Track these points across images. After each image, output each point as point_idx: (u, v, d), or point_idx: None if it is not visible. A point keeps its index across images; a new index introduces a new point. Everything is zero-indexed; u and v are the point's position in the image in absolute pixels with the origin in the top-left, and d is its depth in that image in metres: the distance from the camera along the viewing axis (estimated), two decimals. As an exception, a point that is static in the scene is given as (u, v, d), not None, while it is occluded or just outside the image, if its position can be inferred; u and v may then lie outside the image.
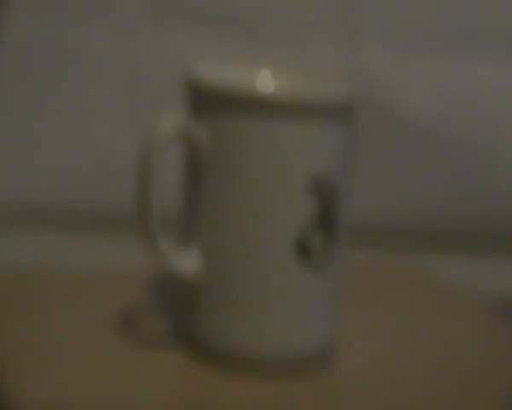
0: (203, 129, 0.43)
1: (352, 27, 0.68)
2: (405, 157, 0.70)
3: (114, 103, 0.66)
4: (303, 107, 0.43)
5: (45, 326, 0.47)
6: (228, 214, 0.43)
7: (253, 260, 0.43)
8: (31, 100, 0.65)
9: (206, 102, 0.44)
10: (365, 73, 0.68)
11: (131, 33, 0.66)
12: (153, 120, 0.43)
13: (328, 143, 0.44)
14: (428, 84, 0.70)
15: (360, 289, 0.54)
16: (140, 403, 0.40)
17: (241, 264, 0.43)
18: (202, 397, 0.42)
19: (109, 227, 0.64)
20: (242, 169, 0.43)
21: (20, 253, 0.57)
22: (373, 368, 0.47)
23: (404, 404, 0.43)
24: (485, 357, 0.49)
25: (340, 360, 0.47)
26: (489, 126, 0.70)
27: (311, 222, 0.43)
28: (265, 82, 0.49)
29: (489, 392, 0.45)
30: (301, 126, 0.43)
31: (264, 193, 0.43)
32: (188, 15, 0.66)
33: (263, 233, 0.43)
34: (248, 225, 0.43)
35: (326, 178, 0.43)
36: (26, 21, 0.63)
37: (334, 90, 0.46)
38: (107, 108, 0.66)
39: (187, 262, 0.44)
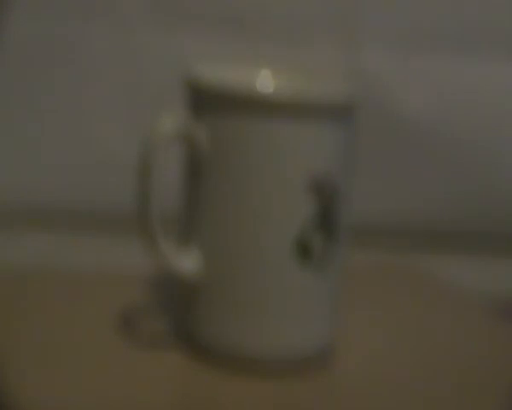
0: (203, 129, 0.43)
1: (352, 27, 0.68)
2: (405, 157, 0.70)
3: (114, 103, 0.66)
4: (303, 107, 0.43)
5: (45, 326, 0.47)
6: (228, 214, 0.43)
7: (253, 260, 0.43)
8: (31, 100, 0.65)
9: (206, 102, 0.44)
10: (365, 73, 0.68)
11: (131, 33, 0.66)
12: (153, 120, 0.43)
13: (328, 143, 0.44)
14: (428, 84, 0.70)
15: (360, 289, 0.54)
16: (140, 403, 0.40)
17: (241, 264, 0.43)
18: (202, 397, 0.42)
19: (109, 227, 0.64)
20: (242, 169, 0.43)
21: (20, 253, 0.57)
22: (373, 368, 0.47)
23: (404, 404, 0.43)
24: (485, 357, 0.49)
25: (340, 360, 0.47)
26: (489, 126, 0.70)
27: (311, 222, 0.43)
28: (265, 82, 0.49)
29: (489, 392, 0.45)
30: (301, 126, 0.43)
31: (264, 193, 0.43)
32: (188, 15, 0.66)
33: (263, 233, 0.43)
34: (248, 225, 0.43)
35: (326, 178, 0.43)
36: (26, 21, 0.63)
37: (334, 90, 0.46)
38: (107, 108, 0.66)
39: (187, 262, 0.44)
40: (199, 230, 0.45)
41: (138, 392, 0.41)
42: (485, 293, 0.60)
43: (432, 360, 0.48)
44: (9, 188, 0.63)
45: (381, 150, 0.69)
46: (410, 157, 0.70)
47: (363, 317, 0.52)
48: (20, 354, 0.44)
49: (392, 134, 0.69)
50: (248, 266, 0.43)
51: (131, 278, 0.54)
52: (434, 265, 0.66)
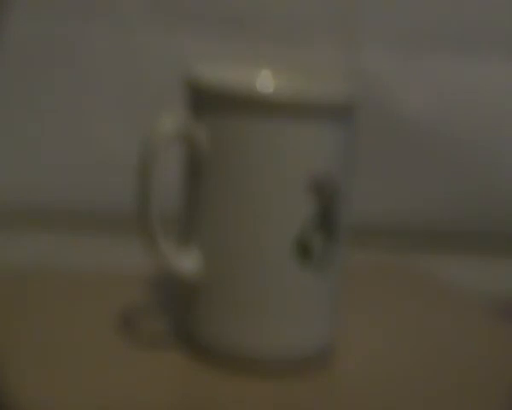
0: (203, 129, 0.43)
1: (352, 27, 0.68)
2: (405, 157, 0.70)
3: (114, 103, 0.66)
4: (303, 107, 0.43)
5: (45, 326, 0.47)
6: (228, 214, 0.43)
7: (253, 260, 0.43)
8: (31, 100, 0.65)
9: (206, 102, 0.44)
10: (365, 73, 0.68)
11: (131, 33, 0.66)
12: (153, 120, 0.43)
13: (328, 143, 0.44)
14: (428, 84, 0.70)
15: (360, 289, 0.54)
16: (140, 403, 0.40)
17: (241, 264, 0.43)
18: (202, 397, 0.42)
19: (109, 227, 0.64)
20: (242, 169, 0.43)
21: (20, 253, 0.57)
22: (373, 368, 0.47)
23: (404, 404, 0.43)
24: (485, 357, 0.49)
25: (340, 360, 0.47)
26: (489, 126, 0.70)
27: (311, 222, 0.43)
28: (265, 82, 0.49)
29: (489, 392, 0.45)
30: (301, 126, 0.43)
31: (264, 193, 0.43)
32: (188, 15, 0.66)
33: (263, 233, 0.43)
34: (248, 225, 0.43)
35: (326, 178, 0.43)
36: (26, 21, 0.63)
37: (334, 90, 0.46)
38: (107, 108, 0.66)
39: (187, 262, 0.44)
40: (199, 230, 0.45)
41: (138, 392, 0.41)
42: (485, 293, 0.60)
43: (432, 360, 0.48)
44: (9, 188, 0.63)
45: (381, 150, 0.69)
46: (410, 157, 0.70)
47: (363, 317, 0.52)
48: (20, 354, 0.44)
49: (392, 134, 0.69)
50: (248, 266, 0.43)
51: (131, 278, 0.54)
52: (434, 265, 0.66)
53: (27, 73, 0.65)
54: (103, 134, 0.67)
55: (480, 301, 0.59)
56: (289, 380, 0.44)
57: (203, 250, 0.44)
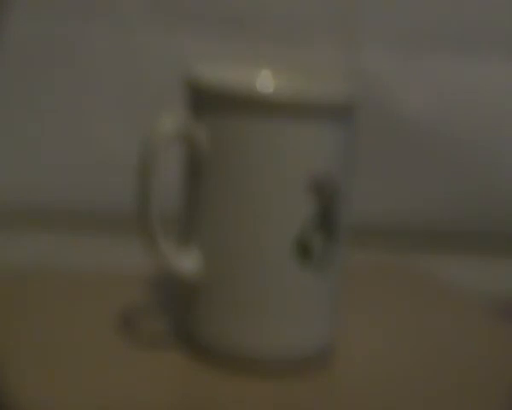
0: (203, 129, 0.43)
1: (352, 27, 0.68)
2: (405, 157, 0.70)
3: (114, 103, 0.66)
4: (303, 107, 0.43)
5: (45, 326, 0.47)
6: (228, 214, 0.43)
7: (253, 260, 0.43)
8: (30, 100, 0.65)
9: (206, 102, 0.44)
10: (365, 73, 0.68)
11: (131, 33, 0.66)
12: (153, 120, 0.43)
13: (328, 143, 0.44)
14: (428, 84, 0.70)
15: (360, 289, 0.54)
16: (140, 403, 0.40)
17: (241, 264, 0.43)
18: (202, 397, 0.42)
19: (109, 227, 0.64)
20: (242, 169, 0.43)
21: (20, 253, 0.57)
22: (373, 368, 0.47)
23: (404, 404, 0.43)
24: (485, 357, 0.49)
25: (340, 360, 0.47)
26: (489, 126, 0.70)
27: (311, 222, 0.43)
28: (265, 82, 0.49)
29: (489, 392, 0.45)
30: (301, 126, 0.43)
31: (264, 193, 0.43)
32: (188, 15, 0.66)
33: (263, 233, 0.43)
34: (248, 225, 0.43)
35: (326, 178, 0.43)
36: (26, 21, 0.63)
37: (334, 90, 0.46)
38: (107, 108, 0.66)
39: (187, 262, 0.44)
40: (199, 230, 0.45)
41: (138, 392, 0.41)
42: (485, 293, 0.60)
43: (432, 360, 0.48)
44: (9, 188, 0.63)
45: (381, 150, 0.69)
46: (410, 157, 0.70)
47: (363, 317, 0.52)
48: (20, 354, 0.44)
49: (392, 134, 0.69)
50: (248, 266, 0.43)
51: (131, 278, 0.54)
52: (434, 265, 0.66)
53: (27, 73, 0.65)
54: (103, 134, 0.67)
55: (479, 301, 0.59)
56: (289, 380, 0.44)
57: (203, 250, 0.44)
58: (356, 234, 0.48)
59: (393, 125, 0.69)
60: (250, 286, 0.43)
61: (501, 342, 0.52)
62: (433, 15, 0.69)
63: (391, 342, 0.50)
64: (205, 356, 0.45)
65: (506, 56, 0.69)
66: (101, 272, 0.56)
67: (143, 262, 0.46)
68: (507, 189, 0.71)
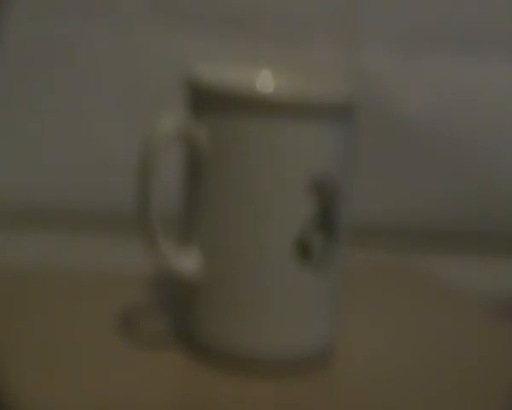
0: (203, 129, 0.43)
1: (352, 27, 0.68)
2: (405, 157, 0.70)
3: (114, 103, 0.66)
4: (303, 107, 0.43)
5: (45, 326, 0.47)
6: (228, 214, 0.43)
7: (253, 260, 0.43)
8: (31, 100, 0.65)
9: (206, 102, 0.44)
10: (365, 73, 0.68)
11: (131, 33, 0.66)
12: (153, 120, 0.43)
13: (328, 143, 0.44)
14: (428, 84, 0.70)
15: (360, 289, 0.54)
16: (140, 403, 0.40)
17: (241, 264, 0.43)
18: (202, 397, 0.42)
19: (109, 227, 0.64)
20: (242, 169, 0.43)
21: (20, 253, 0.57)
22: (373, 368, 0.47)
23: (404, 404, 0.43)
24: (485, 357, 0.49)
25: (340, 360, 0.47)
26: (489, 126, 0.70)
27: (311, 222, 0.43)
28: (265, 82, 0.49)
29: (489, 392, 0.45)
30: (301, 126, 0.43)
31: (264, 193, 0.43)
32: (188, 15, 0.66)
33: (263, 233, 0.43)
34: (248, 225, 0.43)
35: (326, 178, 0.43)
36: (26, 21, 0.63)
37: (334, 90, 0.46)
38: (107, 108, 0.66)
39: (187, 262, 0.44)
40: (199, 230, 0.45)
41: (138, 392, 0.41)
42: (485, 293, 0.60)
43: (432, 360, 0.48)
44: (9, 188, 0.63)
45: (381, 150, 0.69)
46: (410, 157, 0.70)
47: (363, 317, 0.52)
48: (20, 354, 0.44)
49: (392, 134, 0.69)
50: (248, 266, 0.43)
51: (131, 278, 0.54)
52: (434, 265, 0.66)
53: (27, 73, 0.65)
54: (103, 134, 0.67)
55: (480, 301, 0.59)
56: (289, 380, 0.44)
57: (203, 250, 0.44)
58: (356, 234, 0.48)
59: (393, 125, 0.69)
60: (250, 286, 0.43)
61: (501, 342, 0.52)
62: (433, 15, 0.69)
63: (391, 342, 0.50)
64: (205, 356, 0.45)
65: (506, 56, 0.69)
66: (101, 272, 0.56)
67: (143, 262, 0.46)
68: (507, 189, 0.71)
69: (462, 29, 0.69)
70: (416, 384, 0.45)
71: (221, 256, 0.44)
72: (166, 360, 0.45)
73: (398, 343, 0.50)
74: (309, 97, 0.43)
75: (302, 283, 0.44)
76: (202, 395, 0.42)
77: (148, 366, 0.44)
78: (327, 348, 0.46)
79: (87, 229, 0.64)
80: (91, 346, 0.46)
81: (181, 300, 0.47)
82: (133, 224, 0.43)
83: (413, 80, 0.69)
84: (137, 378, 0.43)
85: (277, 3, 0.67)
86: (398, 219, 0.70)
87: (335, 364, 0.46)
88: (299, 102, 0.43)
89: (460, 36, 0.69)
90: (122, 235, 0.57)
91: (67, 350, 0.45)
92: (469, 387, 0.45)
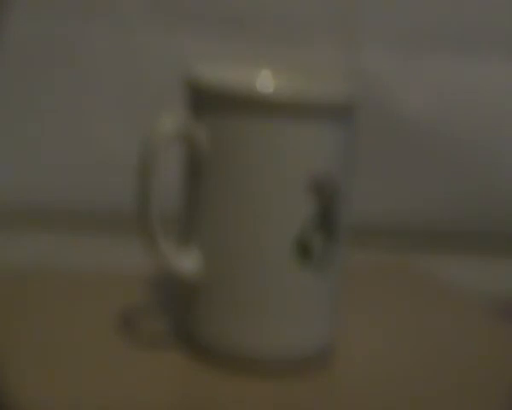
0: (203, 129, 0.43)
1: (352, 27, 0.68)
2: (405, 157, 0.70)
3: (114, 103, 0.66)
4: (303, 107, 0.43)
5: (45, 326, 0.47)
6: (228, 214, 0.43)
7: (253, 260, 0.43)
8: (31, 100, 0.65)
9: (206, 102, 0.44)
10: (365, 73, 0.68)
11: (131, 33, 0.66)
12: (153, 120, 0.43)
13: (328, 143, 0.44)
14: (428, 84, 0.70)
15: (360, 289, 0.54)
16: (140, 403, 0.40)
17: (241, 264, 0.43)
18: (202, 397, 0.42)
19: (109, 227, 0.64)
20: (242, 169, 0.43)
21: (20, 253, 0.57)
22: (373, 368, 0.47)
23: (404, 404, 0.43)
24: (485, 357, 0.49)
25: (340, 360, 0.47)
26: (489, 126, 0.70)
27: (311, 222, 0.43)
28: (265, 82, 0.49)
29: (489, 392, 0.45)
30: (301, 126, 0.43)
31: (264, 193, 0.43)
32: (188, 15, 0.66)
33: (263, 233, 0.43)
34: (248, 225, 0.43)
35: (326, 178, 0.43)
36: (26, 21, 0.63)
37: (334, 90, 0.46)
38: (107, 108, 0.66)
39: (187, 262, 0.44)
40: (199, 230, 0.45)
41: (138, 392, 0.41)
42: (485, 293, 0.60)
43: (432, 360, 0.48)
44: (9, 188, 0.63)
45: (381, 150, 0.69)
46: (410, 157, 0.70)
47: (363, 317, 0.52)
48: (20, 354, 0.43)
49: (392, 134, 0.69)
50: (248, 266, 0.43)
51: (131, 278, 0.54)
52: (434, 265, 0.66)
53: (27, 73, 0.65)
54: (103, 134, 0.67)
55: (480, 301, 0.59)
56: (289, 380, 0.44)
57: (203, 250, 0.44)
58: (356, 234, 0.48)
59: (393, 125, 0.69)
60: (250, 286, 0.43)
61: (501, 342, 0.52)
62: (433, 15, 0.69)
63: (391, 342, 0.50)
64: (205, 356, 0.45)
65: (506, 56, 0.69)
66: (101, 272, 0.56)
67: (143, 262, 0.46)
68: (507, 189, 0.71)
69: (462, 29, 0.69)
70: (415, 384, 0.45)
71: (221, 256, 0.44)
72: (166, 360, 0.45)
73: (398, 343, 0.50)
74: (309, 97, 0.43)
75: (302, 283, 0.44)
76: (202, 395, 0.42)
77: (148, 366, 0.44)
78: (327, 348, 0.46)
79: (87, 229, 0.64)
80: (91, 346, 0.46)
81: (181, 300, 0.47)
82: (133, 224, 0.43)
83: (413, 80, 0.69)
84: (137, 378, 0.43)
85: (277, 3, 0.68)
86: (398, 219, 0.70)
87: (335, 364, 0.46)
88: (299, 102, 0.43)
89: (460, 36, 0.69)
90: (122, 235, 0.57)
91: (67, 350, 0.45)
92: (469, 387, 0.45)
